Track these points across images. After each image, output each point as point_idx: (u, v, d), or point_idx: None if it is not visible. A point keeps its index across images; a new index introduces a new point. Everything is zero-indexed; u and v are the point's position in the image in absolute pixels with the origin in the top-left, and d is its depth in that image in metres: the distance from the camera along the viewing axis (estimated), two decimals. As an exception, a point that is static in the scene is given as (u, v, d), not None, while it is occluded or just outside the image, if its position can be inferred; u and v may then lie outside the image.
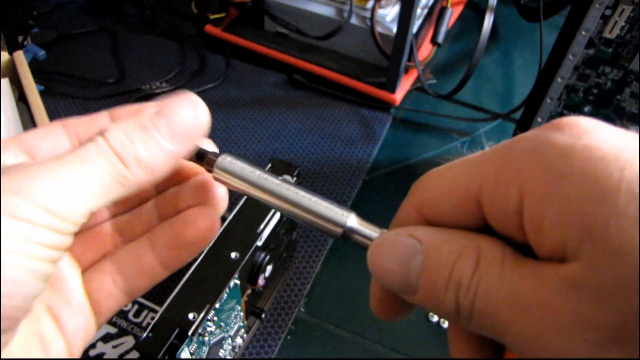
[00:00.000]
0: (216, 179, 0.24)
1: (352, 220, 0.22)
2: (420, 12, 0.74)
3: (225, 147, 0.65)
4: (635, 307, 0.14)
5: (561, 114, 0.59)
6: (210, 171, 0.24)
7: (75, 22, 0.81)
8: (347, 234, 0.22)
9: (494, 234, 0.18)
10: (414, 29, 0.66)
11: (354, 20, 0.70)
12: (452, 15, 0.73)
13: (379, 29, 0.69)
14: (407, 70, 0.72)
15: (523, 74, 0.79)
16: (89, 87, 0.72)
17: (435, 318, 0.53)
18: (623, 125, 0.58)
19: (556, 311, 0.15)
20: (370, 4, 0.71)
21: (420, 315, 0.53)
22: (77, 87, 0.72)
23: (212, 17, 0.74)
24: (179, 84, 0.72)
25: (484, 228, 0.18)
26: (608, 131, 0.16)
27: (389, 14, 0.70)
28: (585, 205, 0.15)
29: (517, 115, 0.67)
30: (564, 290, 0.15)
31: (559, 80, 0.52)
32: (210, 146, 0.25)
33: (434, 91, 0.70)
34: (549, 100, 0.53)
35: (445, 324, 0.52)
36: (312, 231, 0.58)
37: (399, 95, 0.70)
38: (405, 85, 0.71)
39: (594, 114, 0.58)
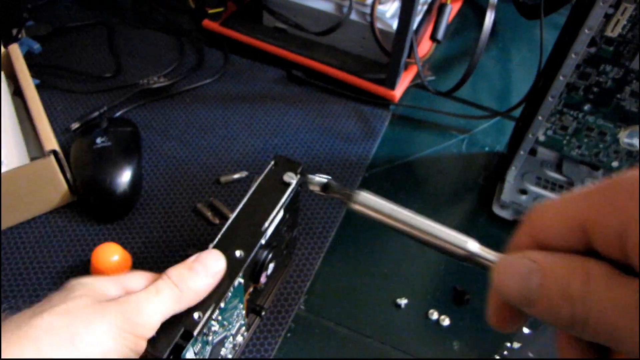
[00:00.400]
0: (355, 210, 0.30)
1: (472, 245, 0.26)
2: (420, 8, 0.73)
3: (223, 142, 0.65)
4: None
5: (561, 112, 0.59)
6: (348, 204, 0.30)
7: (71, 15, 0.80)
8: (469, 257, 0.26)
9: (599, 257, 0.21)
10: (414, 25, 0.65)
11: (353, 16, 0.70)
12: (451, 11, 0.73)
13: (378, 25, 0.69)
14: (406, 67, 0.71)
15: (521, 72, 0.79)
16: (86, 81, 0.71)
17: (434, 316, 0.52)
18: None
19: None
20: (370, 0, 0.70)
21: (420, 313, 0.53)
22: (74, 81, 0.71)
23: (210, 11, 0.74)
24: (177, 78, 0.71)
25: (589, 252, 0.21)
26: None
27: (389, 10, 0.70)
28: None
29: (516, 112, 0.67)
30: None
31: (561, 78, 0.51)
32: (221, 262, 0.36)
33: (433, 88, 0.70)
34: (550, 99, 0.53)
35: (445, 322, 0.52)
36: (312, 229, 0.57)
37: (398, 92, 0.70)
38: (404, 81, 0.71)
39: (594, 112, 0.58)
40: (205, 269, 0.35)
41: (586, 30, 0.48)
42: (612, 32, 0.51)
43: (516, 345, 0.42)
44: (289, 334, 0.51)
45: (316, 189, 0.34)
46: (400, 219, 0.28)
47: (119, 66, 0.73)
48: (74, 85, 0.70)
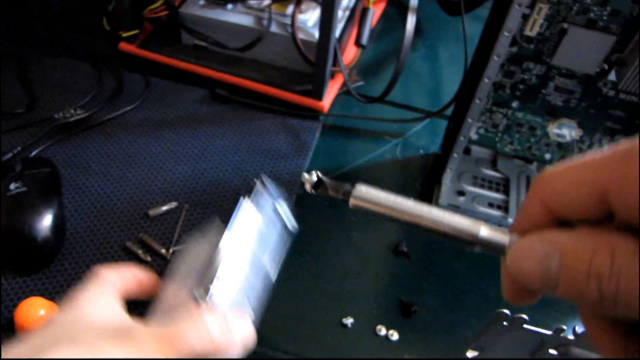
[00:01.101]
0: (355, 206, 0.28)
1: (483, 230, 0.24)
2: (341, 15, 0.72)
3: (149, 172, 0.62)
4: None
5: (491, 111, 0.59)
6: (347, 201, 0.28)
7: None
8: (481, 242, 0.24)
9: (618, 227, 0.20)
10: (337, 32, 0.64)
11: (274, 28, 0.68)
12: (374, 14, 0.72)
13: (300, 35, 0.67)
14: (332, 76, 0.70)
15: (450, 69, 0.79)
16: (-4, 120, 0.66)
17: (382, 332, 0.51)
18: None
19: None
20: (290, 10, 0.68)
21: (368, 330, 0.52)
22: (-16, 120, 0.66)
23: (124, 35, 0.70)
24: (95, 108, 0.67)
25: (608, 218, 0.21)
26: None
27: (310, 19, 0.68)
28: None
29: (448, 111, 0.66)
30: None
31: (486, 80, 0.51)
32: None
33: (362, 94, 0.69)
34: (477, 101, 0.53)
35: (394, 337, 0.51)
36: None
37: (326, 102, 0.68)
38: (332, 90, 0.70)
39: (522, 108, 0.58)
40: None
41: (505, 33, 0.48)
42: (531, 31, 0.51)
43: (470, 354, 0.41)
44: (234, 371, 0.49)
45: (308, 187, 0.31)
46: (405, 210, 0.26)
47: (31, 100, 0.68)
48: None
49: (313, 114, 0.69)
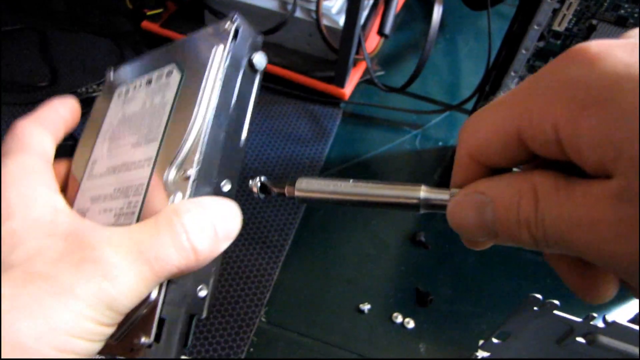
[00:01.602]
0: (301, 199, 0.28)
1: (424, 192, 0.24)
2: (365, 3, 0.72)
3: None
4: None
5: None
6: (292, 196, 0.28)
7: (-2, 19, 0.75)
8: (423, 204, 0.24)
9: (545, 161, 0.21)
10: (362, 21, 0.64)
11: (298, 14, 0.68)
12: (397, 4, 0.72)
13: (324, 21, 0.67)
14: (355, 63, 0.70)
15: (469, 63, 0.79)
16: (19, 92, 0.67)
17: (399, 319, 0.52)
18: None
19: (612, 225, 0.17)
20: (314, -4, 0.68)
21: (384, 317, 0.52)
22: (6, 91, 0.66)
23: (149, 13, 0.70)
24: (117, 85, 0.67)
25: (534, 157, 0.21)
26: (617, 52, 0.18)
27: (334, 5, 0.68)
28: (610, 130, 0.17)
29: (467, 105, 0.67)
30: (614, 205, 0.17)
31: (512, 74, 0.51)
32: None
33: (383, 83, 0.69)
34: (502, 94, 0.53)
35: (410, 325, 0.52)
36: (269, 238, 0.56)
37: (348, 90, 0.69)
38: (354, 78, 0.70)
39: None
40: (228, 234, 0.27)
41: (535, 27, 0.48)
42: (559, 26, 0.51)
43: (482, 354, 0.41)
44: (251, 349, 0.49)
45: (255, 191, 0.31)
46: (346, 191, 0.26)
47: (54, 74, 0.69)
48: (6, 97, 0.66)
49: (334, 100, 0.69)
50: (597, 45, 0.18)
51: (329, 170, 0.63)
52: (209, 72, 0.30)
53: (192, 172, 0.28)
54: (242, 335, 0.49)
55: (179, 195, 0.27)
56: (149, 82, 0.35)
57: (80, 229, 0.25)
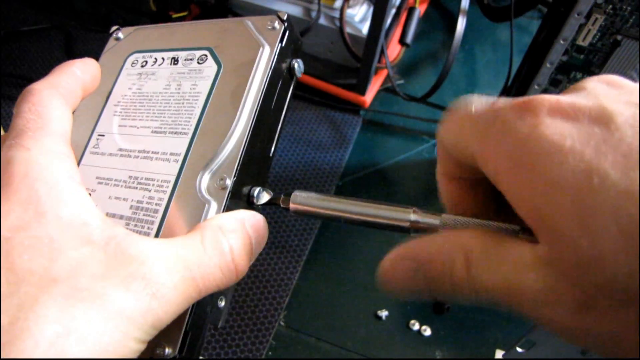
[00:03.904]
0: (295, 211, 0.27)
1: (414, 215, 0.25)
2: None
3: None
4: (595, 282, 0.16)
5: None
6: (287, 208, 0.27)
7: (23, 18, 0.76)
8: (414, 227, 0.25)
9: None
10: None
11: (322, 21, 0.69)
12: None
13: (348, 29, 0.68)
14: (375, 72, 0.71)
15: (487, 74, 0.79)
16: (43, 90, 0.67)
17: (416, 327, 0.52)
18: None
19: (540, 291, 0.18)
20: (337, 4, 0.69)
21: (401, 324, 0.52)
22: (30, 89, 0.67)
23: (174, 15, 0.71)
24: (140, 86, 0.68)
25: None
26: (561, 119, 0.18)
27: (357, 13, 0.69)
28: (534, 197, 0.18)
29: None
30: (541, 270, 0.18)
31: (536, 87, 0.52)
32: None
33: (403, 92, 0.69)
34: (524, 107, 0.53)
35: (426, 332, 0.52)
36: (288, 242, 0.56)
37: (369, 97, 0.69)
38: (374, 86, 0.71)
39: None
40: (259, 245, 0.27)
41: (561, 41, 0.48)
42: (584, 41, 0.52)
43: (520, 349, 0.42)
44: (270, 352, 0.50)
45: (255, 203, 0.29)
46: (339, 208, 0.26)
47: (78, 73, 0.69)
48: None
49: (354, 107, 0.70)
50: (549, 110, 0.19)
51: (348, 176, 0.63)
52: (254, 74, 0.28)
53: (230, 182, 0.26)
54: (261, 339, 0.50)
55: (214, 205, 0.26)
56: (175, 60, 0.32)
57: (117, 238, 0.23)
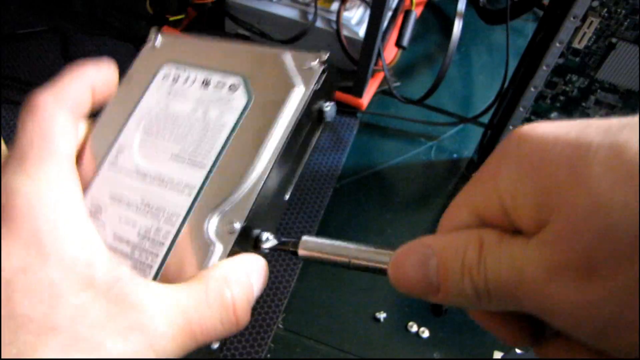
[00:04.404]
0: (303, 256, 0.27)
1: None
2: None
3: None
4: (597, 235, 0.17)
5: (529, 120, 0.60)
6: (295, 253, 0.27)
7: (19, 21, 0.76)
8: None
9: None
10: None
11: (318, 24, 0.69)
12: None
13: (344, 32, 0.68)
14: (372, 74, 0.71)
15: (483, 77, 0.80)
16: (40, 93, 0.67)
17: (414, 328, 0.52)
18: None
19: (543, 266, 0.18)
20: (334, 7, 0.69)
21: (400, 326, 0.53)
22: (26, 93, 0.67)
23: (171, 18, 0.71)
24: (137, 89, 0.68)
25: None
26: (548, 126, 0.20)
27: (354, 16, 0.69)
28: (542, 194, 0.19)
29: (482, 118, 0.68)
30: (545, 249, 0.18)
31: (532, 89, 0.52)
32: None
33: (400, 95, 0.70)
34: (521, 109, 0.54)
35: (425, 334, 0.52)
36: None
37: (365, 100, 0.69)
38: (371, 89, 0.71)
39: (561, 119, 0.59)
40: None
41: (557, 44, 0.49)
42: (579, 44, 0.52)
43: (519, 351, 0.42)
44: (269, 355, 0.50)
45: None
46: (349, 255, 0.26)
47: (75, 76, 0.69)
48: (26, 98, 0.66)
49: (351, 110, 0.70)
50: (532, 126, 0.20)
51: (345, 179, 0.64)
52: (282, 114, 0.27)
53: (239, 227, 0.25)
54: (259, 342, 0.50)
55: (219, 248, 0.25)
56: (206, 83, 0.31)
57: (120, 282, 0.22)
